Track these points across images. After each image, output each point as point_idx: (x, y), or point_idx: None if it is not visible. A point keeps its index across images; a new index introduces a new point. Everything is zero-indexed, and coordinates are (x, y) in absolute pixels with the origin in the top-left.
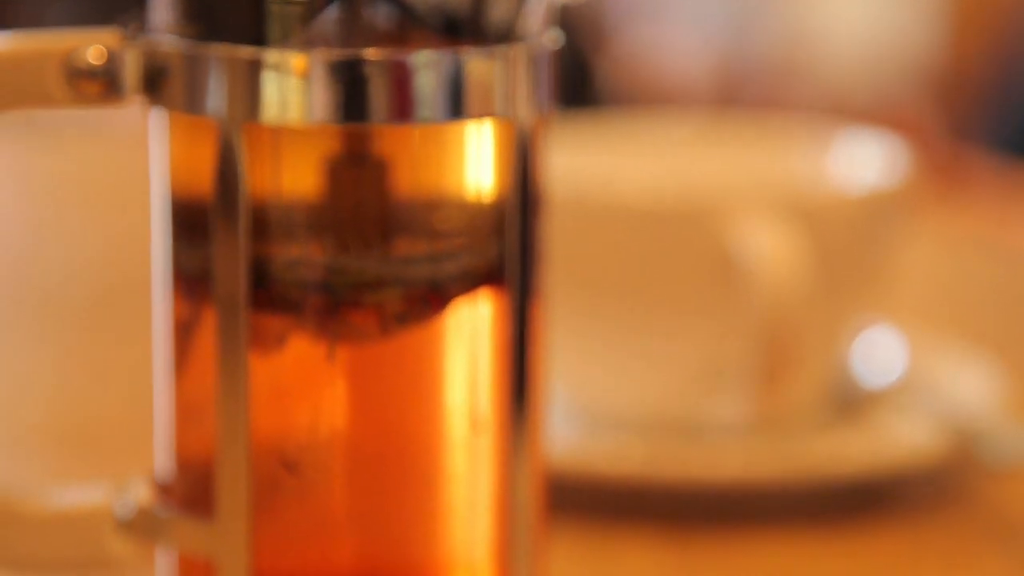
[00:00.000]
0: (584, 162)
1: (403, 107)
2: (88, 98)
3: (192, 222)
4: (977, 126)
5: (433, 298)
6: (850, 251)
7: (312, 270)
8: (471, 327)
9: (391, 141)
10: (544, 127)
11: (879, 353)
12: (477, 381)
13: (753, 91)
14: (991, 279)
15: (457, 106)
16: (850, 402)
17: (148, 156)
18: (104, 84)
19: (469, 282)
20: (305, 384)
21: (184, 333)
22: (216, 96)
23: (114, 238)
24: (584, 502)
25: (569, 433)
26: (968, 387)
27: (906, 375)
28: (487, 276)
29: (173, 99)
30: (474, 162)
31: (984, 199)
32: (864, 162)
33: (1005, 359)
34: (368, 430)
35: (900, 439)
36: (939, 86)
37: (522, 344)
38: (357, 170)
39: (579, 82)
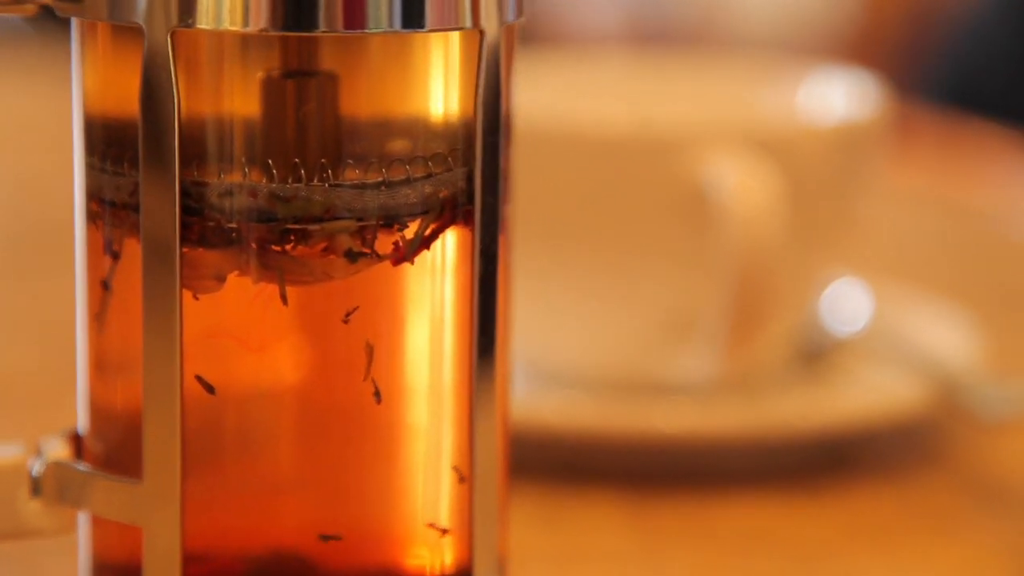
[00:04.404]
0: (535, 95)
1: (356, 14)
2: None
3: (117, 147)
4: (899, 83)
5: (389, 231)
6: (822, 187)
7: (252, 199)
8: (432, 264)
9: (342, 53)
10: (512, 39)
11: (848, 303)
12: (439, 326)
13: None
14: (938, 232)
15: (416, 14)
16: (820, 353)
17: (65, 90)
18: None
19: (430, 213)
20: (245, 329)
21: (108, 273)
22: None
23: (29, 179)
24: (538, 462)
25: (520, 389)
26: (941, 339)
27: (877, 326)
28: (451, 207)
29: (93, 4)
30: (436, 77)
31: (920, 151)
32: (835, 96)
33: (970, 313)
34: (317, 380)
35: (876, 392)
36: (856, 46)
37: (489, 284)
38: (303, 85)
39: None
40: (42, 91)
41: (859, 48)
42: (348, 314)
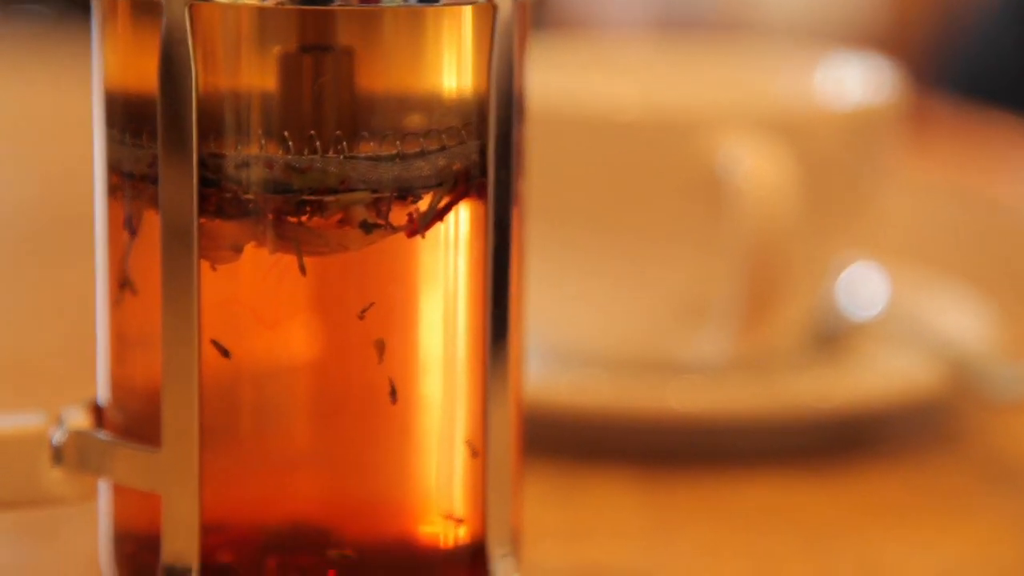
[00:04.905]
0: (551, 78)
1: None
2: None
3: (136, 120)
4: (925, 75)
5: (403, 203)
6: (837, 170)
7: (269, 170)
8: (446, 237)
9: (357, 26)
10: (525, 13)
11: (863, 287)
12: (453, 298)
13: None
14: (954, 220)
15: None
16: (835, 336)
17: (88, 84)
18: None
19: (444, 186)
20: (261, 299)
21: (127, 244)
22: None
23: (55, 165)
24: (552, 440)
25: (537, 369)
26: (956, 322)
27: (892, 309)
28: (464, 179)
29: None
30: (450, 51)
31: (942, 142)
32: (850, 80)
33: (984, 297)
34: (330, 352)
35: (890, 373)
36: (879, 40)
37: (503, 256)
38: (319, 59)
39: None
40: (66, 84)
41: (882, 41)
42: (362, 285)
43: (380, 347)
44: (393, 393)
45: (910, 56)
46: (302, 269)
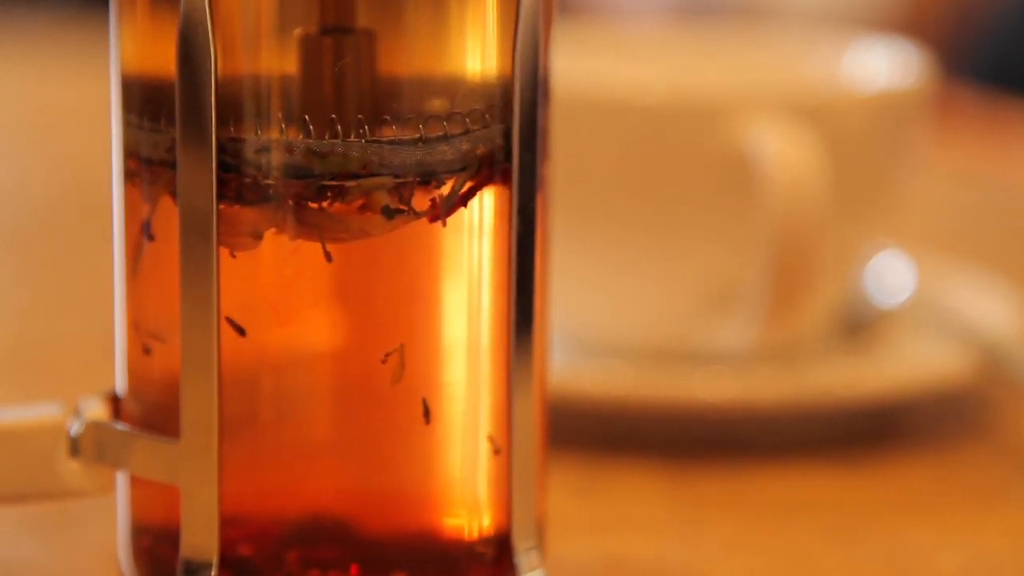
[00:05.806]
0: (575, 62)
1: None
2: None
3: (154, 104)
4: (948, 63)
5: (426, 188)
6: (864, 154)
7: (289, 155)
8: (469, 222)
9: (379, 7)
10: None
11: (891, 275)
12: (476, 285)
13: None
14: (981, 207)
15: None
16: (862, 324)
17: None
18: None
19: (467, 170)
20: (282, 287)
21: (145, 232)
22: None
23: (73, 155)
24: (576, 431)
25: (560, 359)
26: (984, 310)
27: (920, 297)
28: (488, 164)
29: None
30: (473, 33)
31: (967, 130)
32: (877, 64)
33: (1015, 284)
34: (352, 342)
35: (918, 361)
36: (903, 26)
37: (527, 242)
38: (340, 42)
39: None
40: (86, 74)
41: (904, 28)
42: (384, 273)
43: (401, 336)
44: (419, 381)
45: (933, 44)
46: (327, 256)
